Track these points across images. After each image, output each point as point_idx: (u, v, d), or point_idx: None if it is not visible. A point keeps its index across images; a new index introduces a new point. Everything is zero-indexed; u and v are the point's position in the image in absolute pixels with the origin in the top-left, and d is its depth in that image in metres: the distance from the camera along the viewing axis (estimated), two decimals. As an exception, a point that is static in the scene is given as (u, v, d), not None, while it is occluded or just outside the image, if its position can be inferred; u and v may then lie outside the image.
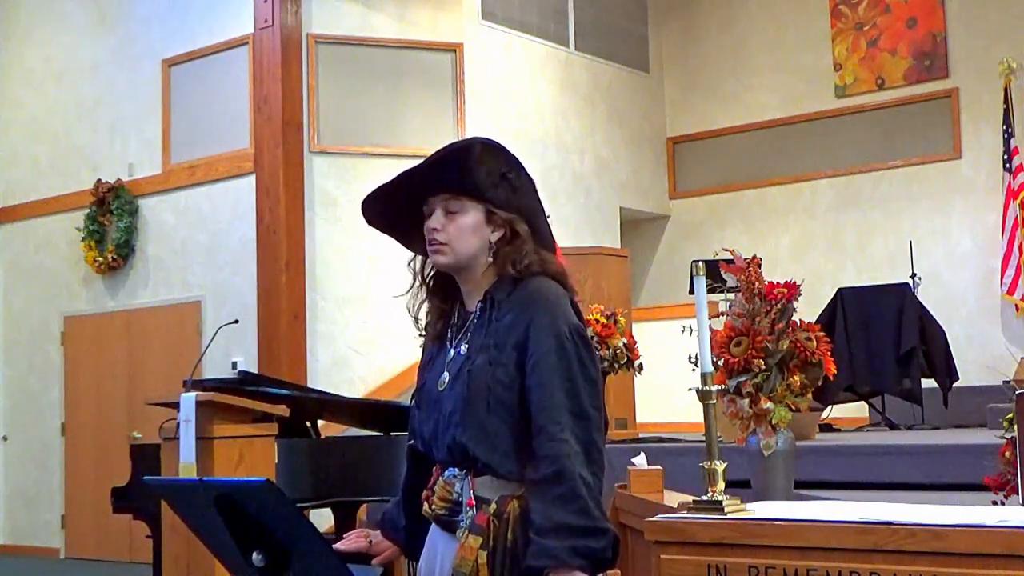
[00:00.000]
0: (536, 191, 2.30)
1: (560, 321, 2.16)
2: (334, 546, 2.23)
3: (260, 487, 2.00)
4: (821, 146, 10.62)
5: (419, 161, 2.25)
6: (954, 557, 1.79)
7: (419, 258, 2.34)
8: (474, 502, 2.15)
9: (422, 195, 2.25)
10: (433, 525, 2.28)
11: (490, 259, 2.23)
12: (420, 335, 2.38)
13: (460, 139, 2.24)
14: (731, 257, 3.70)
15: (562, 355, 2.13)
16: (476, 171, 2.20)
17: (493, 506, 2.13)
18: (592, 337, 6.31)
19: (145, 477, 2.41)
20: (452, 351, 2.24)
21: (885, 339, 7.49)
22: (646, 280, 11.53)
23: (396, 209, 2.31)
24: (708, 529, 2.05)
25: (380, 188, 2.29)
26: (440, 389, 2.22)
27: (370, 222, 2.35)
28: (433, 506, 2.22)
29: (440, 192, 2.22)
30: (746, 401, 3.50)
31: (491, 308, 2.21)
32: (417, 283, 2.33)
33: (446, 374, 2.22)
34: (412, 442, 2.34)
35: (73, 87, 10.13)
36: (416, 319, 2.35)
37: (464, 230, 2.20)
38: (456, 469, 2.18)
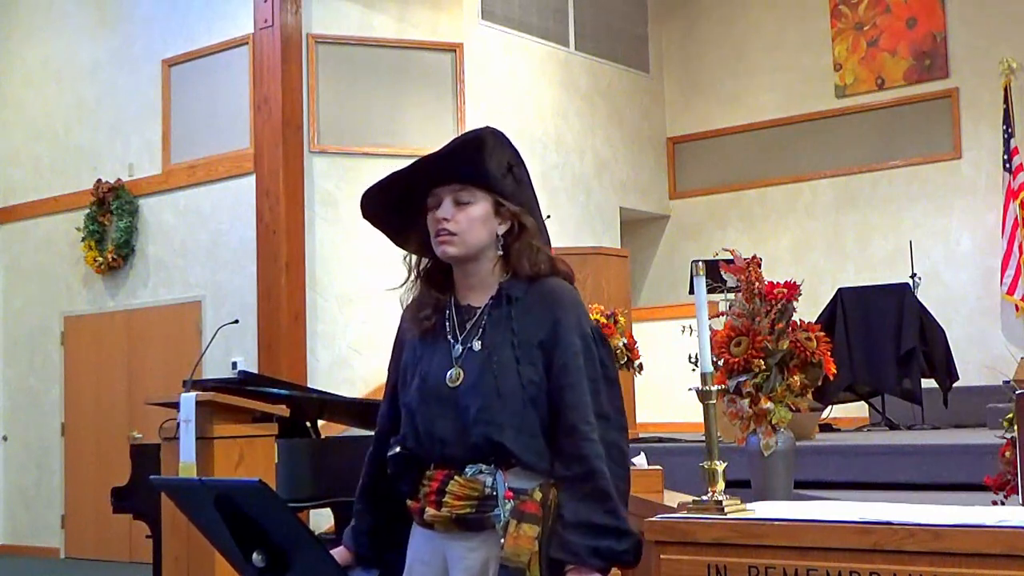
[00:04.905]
0: (533, 188, 2.28)
1: (584, 322, 2.17)
2: None
3: (253, 487, 2.00)
4: (821, 146, 10.61)
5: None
6: (953, 557, 1.79)
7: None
8: (512, 493, 2.09)
9: (428, 186, 2.20)
10: (424, 531, 2.19)
11: (499, 253, 2.20)
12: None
13: (472, 129, 2.21)
14: (731, 257, 3.69)
15: (588, 356, 2.14)
16: (488, 161, 2.16)
17: (538, 494, 2.09)
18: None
19: (151, 476, 2.40)
20: (459, 347, 2.17)
21: (885, 339, 7.48)
22: (646, 280, 11.53)
23: (390, 205, 2.26)
24: (708, 529, 2.05)
25: (388, 178, 2.23)
26: (452, 385, 2.15)
27: (366, 215, 2.30)
28: (445, 508, 2.11)
29: (451, 182, 2.17)
30: (746, 401, 3.50)
31: (507, 305, 2.17)
32: (412, 277, 2.29)
33: (458, 370, 2.15)
34: (403, 446, 2.20)
35: (73, 87, 10.12)
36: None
37: (474, 221, 2.17)
38: (482, 465, 2.11)
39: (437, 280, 2.27)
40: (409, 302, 2.30)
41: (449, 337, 2.20)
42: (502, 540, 2.06)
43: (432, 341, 2.22)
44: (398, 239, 2.31)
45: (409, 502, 2.20)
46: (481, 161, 2.16)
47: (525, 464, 2.10)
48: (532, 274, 2.18)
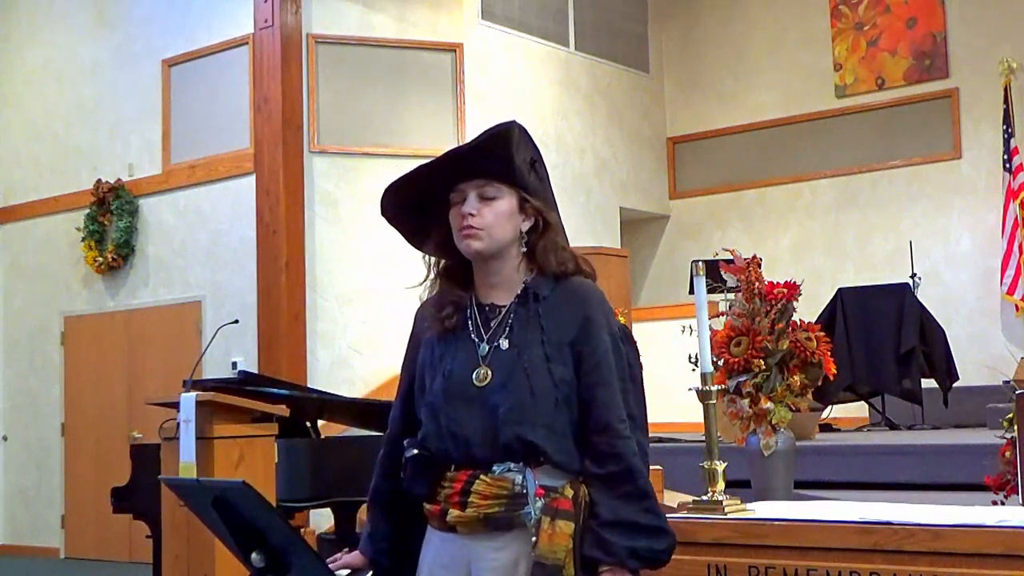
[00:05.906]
0: (551, 186, 2.25)
1: (612, 321, 2.16)
2: None
3: (236, 488, 2.00)
4: (821, 146, 10.61)
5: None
6: (953, 557, 1.79)
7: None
8: (543, 490, 2.04)
9: (451, 182, 2.15)
10: (442, 535, 2.13)
11: (523, 250, 2.16)
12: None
13: (498, 123, 2.16)
14: (731, 257, 3.69)
15: (618, 354, 2.13)
16: (515, 156, 2.13)
17: (569, 491, 2.05)
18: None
19: (161, 476, 2.42)
20: (485, 346, 2.13)
21: (885, 339, 7.49)
22: (646, 280, 11.52)
23: (409, 204, 2.21)
24: (708, 529, 2.05)
25: (410, 173, 2.18)
26: (479, 385, 2.10)
27: (385, 212, 2.23)
28: (471, 508, 2.06)
29: (477, 177, 2.13)
30: (746, 401, 3.50)
31: (533, 303, 2.13)
32: (432, 275, 2.24)
33: (485, 369, 2.10)
34: (421, 447, 2.13)
35: (73, 87, 10.12)
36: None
37: (501, 216, 2.12)
38: (510, 463, 2.06)
39: (457, 278, 2.22)
40: (425, 300, 2.25)
41: (473, 336, 2.15)
42: (533, 539, 2.02)
43: (453, 340, 2.16)
44: (415, 240, 2.26)
45: (427, 505, 2.14)
46: (509, 156, 2.12)
47: (555, 463, 2.06)
48: (559, 272, 2.16)
